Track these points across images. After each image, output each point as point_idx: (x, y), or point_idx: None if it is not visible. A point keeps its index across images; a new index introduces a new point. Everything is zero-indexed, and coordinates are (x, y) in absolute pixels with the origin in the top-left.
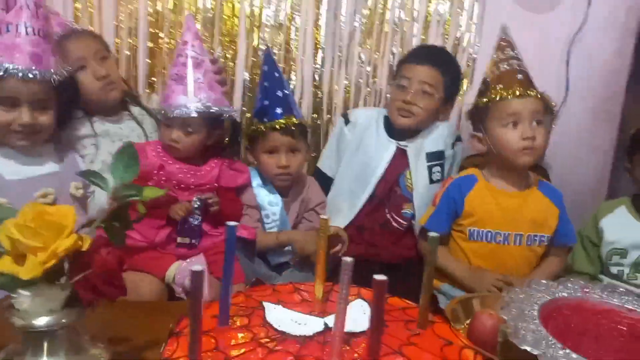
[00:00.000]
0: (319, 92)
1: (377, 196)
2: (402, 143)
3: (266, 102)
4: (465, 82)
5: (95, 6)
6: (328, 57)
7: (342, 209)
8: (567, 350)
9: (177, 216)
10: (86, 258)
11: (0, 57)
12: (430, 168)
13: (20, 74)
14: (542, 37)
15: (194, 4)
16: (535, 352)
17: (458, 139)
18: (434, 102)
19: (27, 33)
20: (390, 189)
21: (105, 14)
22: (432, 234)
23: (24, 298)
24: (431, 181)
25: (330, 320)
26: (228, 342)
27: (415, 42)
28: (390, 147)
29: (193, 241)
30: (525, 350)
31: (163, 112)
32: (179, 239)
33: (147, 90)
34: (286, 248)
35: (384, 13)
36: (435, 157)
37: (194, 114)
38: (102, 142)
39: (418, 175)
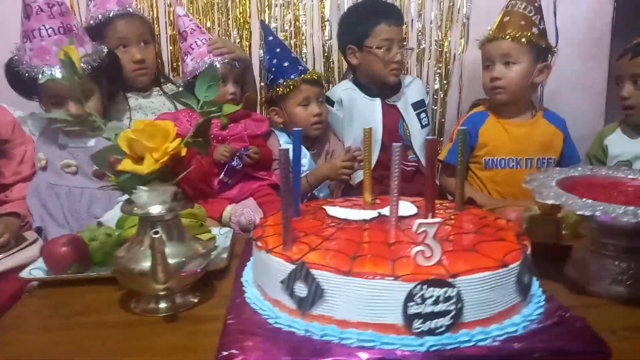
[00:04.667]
0: (330, 63)
1: (386, 149)
2: (391, 100)
3: (286, 64)
4: (461, 42)
5: None
6: (335, 29)
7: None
8: (584, 199)
9: (222, 157)
10: (185, 161)
11: (36, 62)
12: (418, 115)
13: (57, 75)
14: None
15: None
16: (557, 202)
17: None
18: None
19: (48, 35)
20: (395, 140)
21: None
22: (461, 127)
23: (142, 192)
24: (422, 126)
25: (382, 211)
26: (303, 226)
27: (413, 7)
28: (375, 103)
29: (230, 181)
30: (545, 232)
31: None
32: (221, 176)
33: (172, 75)
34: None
35: None
36: (419, 106)
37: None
38: (135, 115)
39: (412, 123)
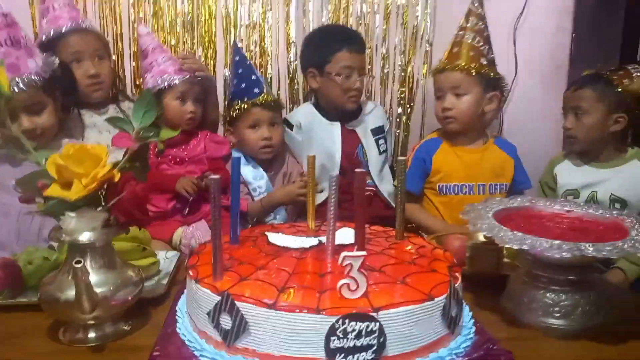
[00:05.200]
0: (294, 84)
1: (345, 174)
2: (350, 125)
3: (243, 85)
4: (424, 67)
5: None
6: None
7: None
8: (515, 232)
9: (183, 191)
10: (118, 187)
11: None
12: (376, 141)
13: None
14: (490, 22)
15: (173, 8)
16: (489, 235)
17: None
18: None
19: None
20: (354, 164)
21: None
22: (400, 158)
23: (70, 219)
24: (380, 152)
25: (323, 239)
26: (240, 254)
27: (378, 33)
28: (335, 127)
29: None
30: (487, 262)
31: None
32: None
33: (134, 92)
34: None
35: (347, 7)
36: (378, 132)
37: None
38: (90, 133)
39: (370, 149)
